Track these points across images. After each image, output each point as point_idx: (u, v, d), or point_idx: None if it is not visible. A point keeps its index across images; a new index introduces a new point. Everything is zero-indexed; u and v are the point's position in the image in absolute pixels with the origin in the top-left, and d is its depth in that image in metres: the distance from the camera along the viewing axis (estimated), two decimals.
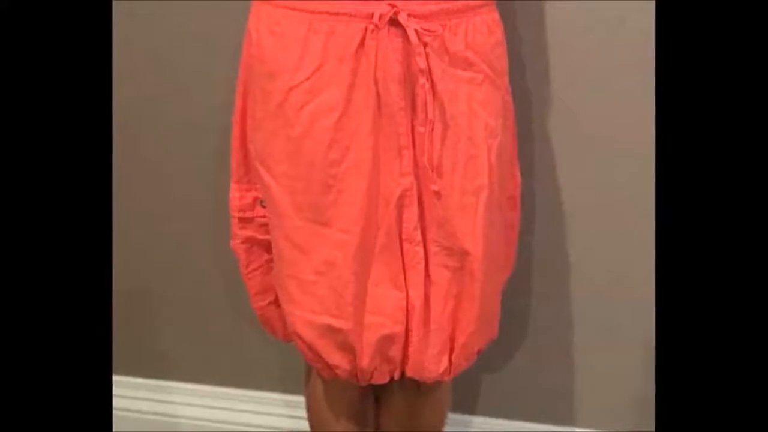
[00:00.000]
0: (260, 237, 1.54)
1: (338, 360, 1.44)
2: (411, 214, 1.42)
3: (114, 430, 1.44)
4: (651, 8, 1.54)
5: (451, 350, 1.47)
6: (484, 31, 1.44)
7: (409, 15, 1.37)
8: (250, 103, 1.47)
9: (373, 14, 1.37)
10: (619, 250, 1.79)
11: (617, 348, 1.83)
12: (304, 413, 1.68)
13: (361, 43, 1.37)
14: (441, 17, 1.39)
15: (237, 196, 1.55)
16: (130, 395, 2.09)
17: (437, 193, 1.42)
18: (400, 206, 1.42)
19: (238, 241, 1.56)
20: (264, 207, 1.50)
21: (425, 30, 1.38)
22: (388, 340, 1.44)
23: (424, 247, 1.43)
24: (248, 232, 1.55)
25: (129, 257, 1.98)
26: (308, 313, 1.43)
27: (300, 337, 1.45)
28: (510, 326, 1.73)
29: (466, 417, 1.94)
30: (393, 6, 1.37)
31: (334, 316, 1.42)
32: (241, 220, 1.55)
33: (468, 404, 1.94)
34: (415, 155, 1.41)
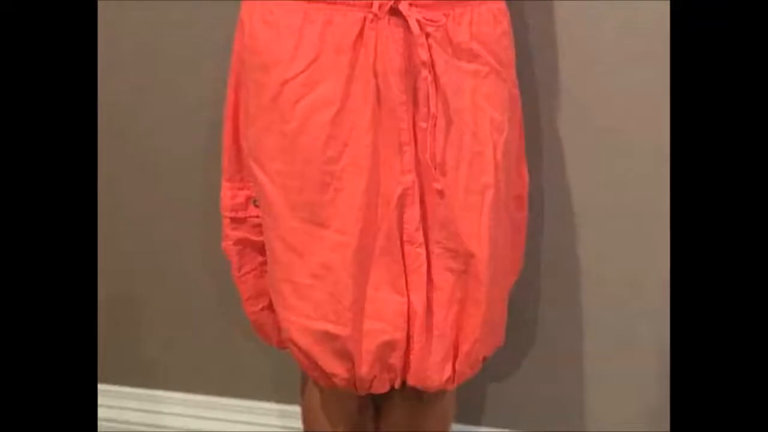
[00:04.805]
0: (253, 238, 1.54)
1: (336, 368, 1.44)
2: (412, 214, 1.42)
3: None
4: None
5: (455, 358, 1.47)
6: (490, 20, 1.44)
7: (410, 4, 1.38)
8: (243, 97, 1.48)
9: (372, 3, 1.37)
10: (633, 252, 1.79)
11: (630, 356, 1.84)
12: (299, 424, 1.68)
13: (360, 34, 1.38)
14: (444, 6, 1.40)
15: (229, 195, 1.55)
16: (117, 405, 2.10)
17: (440, 192, 1.42)
18: (401, 206, 1.42)
19: (230, 243, 1.56)
20: (257, 206, 1.51)
21: (427, 20, 1.38)
22: (388, 347, 1.44)
23: (427, 249, 1.44)
24: (241, 233, 1.55)
25: (115, 260, 1.99)
26: (304, 319, 1.43)
27: (295, 344, 1.45)
28: (517, 333, 1.74)
29: (471, 428, 1.95)
30: None
31: (332, 322, 1.42)
32: (233, 220, 1.55)
33: (473, 415, 1.94)
34: (416, 152, 1.42)
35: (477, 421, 1.95)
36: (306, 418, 1.64)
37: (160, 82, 1.92)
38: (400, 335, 1.44)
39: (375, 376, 1.46)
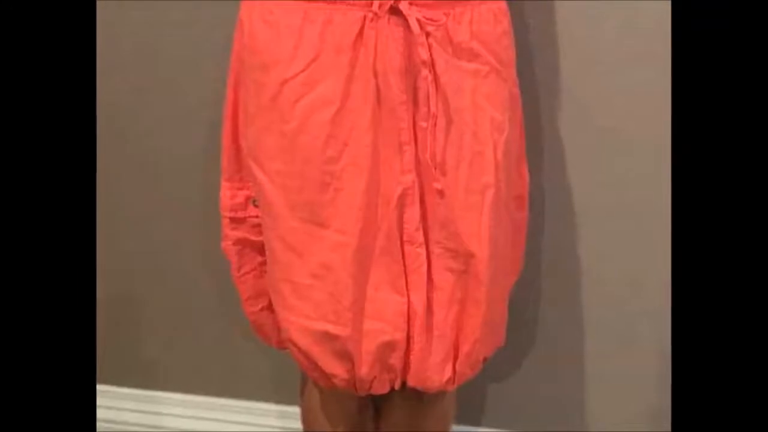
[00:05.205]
0: (253, 238, 1.54)
1: (335, 368, 1.44)
2: (413, 214, 1.42)
3: None
4: None
5: (455, 358, 1.47)
6: (490, 19, 1.44)
7: (410, 3, 1.38)
8: (242, 97, 1.47)
9: (372, 2, 1.37)
10: (634, 252, 1.79)
11: (631, 356, 1.83)
12: (299, 425, 1.68)
13: (360, 33, 1.37)
14: (444, 5, 1.39)
15: (228, 195, 1.55)
16: (116, 406, 2.09)
17: (440, 192, 1.42)
18: (401, 206, 1.42)
19: (230, 243, 1.56)
20: (257, 206, 1.51)
21: (428, 19, 1.38)
22: (388, 347, 1.44)
23: (427, 249, 1.43)
24: (240, 233, 1.55)
25: (115, 260, 1.99)
26: (304, 319, 1.43)
27: (295, 345, 1.45)
28: (517, 333, 1.74)
29: (472, 429, 1.94)
30: None
31: (332, 322, 1.42)
32: (233, 220, 1.55)
33: (473, 416, 1.94)
34: (416, 152, 1.41)
35: (477, 422, 1.95)
36: (305, 419, 1.64)
37: (160, 82, 1.92)
38: (400, 335, 1.44)
39: (375, 377, 1.46)
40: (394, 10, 1.38)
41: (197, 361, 2.05)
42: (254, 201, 1.51)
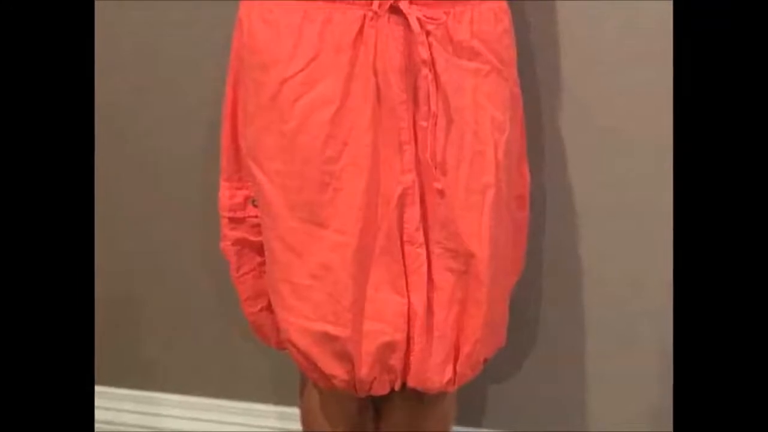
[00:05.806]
0: (252, 238, 1.54)
1: (335, 369, 1.44)
2: (413, 214, 1.42)
3: None
4: None
5: (456, 359, 1.46)
6: (491, 18, 1.44)
7: (410, 2, 1.37)
8: (242, 96, 1.47)
9: (372, 1, 1.37)
10: (635, 252, 1.79)
11: (632, 355, 1.83)
12: (298, 426, 1.68)
13: (360, 32, 1.37)
14: (445, 4, 1.39)
15: (227, 195, 1.54)
16: (114, 407, 2.09)
17: (441, 192, 1.42)
18: (401, 206, 1.42)
19: (229, 243, 1.56)
20: (256, 206, 1.50)
21: (428, 18, 1.38)
22: (388, 348, 1.43)
23: (427, 249, 1.43)
24: (239, 233, 1.55)
25: (114, 260, 1.98)
26: (303, 320, 1.43)
27: (294, 345, 1.45)
28: (518, 333, 1.73)
29: (472, 430, 1.94)
30: None
31: (331, 323, 1.42)
32: (232, 220, 1.55)
33: (474, 416, 1.94)
34: (417, 151, 1.41)
35: (478, 423, 1.94)
36: (305, 420, 1.63)
37: (160, 82, 1.92)
38: (400, 336, 1.43)
39: (375, 378, 1.45)
40: (394, 9, 1.37)
41: (196, 362, 2.05)
42: (253, 201, 1.51)
